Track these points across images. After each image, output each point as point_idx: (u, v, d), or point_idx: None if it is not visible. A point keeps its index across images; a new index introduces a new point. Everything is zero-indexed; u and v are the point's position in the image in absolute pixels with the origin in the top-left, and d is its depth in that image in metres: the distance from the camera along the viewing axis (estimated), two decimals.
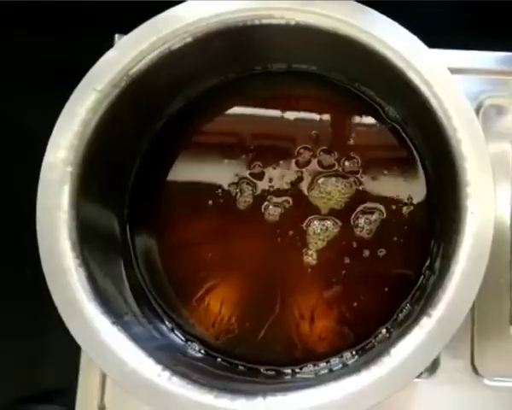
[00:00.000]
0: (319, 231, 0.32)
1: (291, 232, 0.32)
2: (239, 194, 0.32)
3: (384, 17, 0.28)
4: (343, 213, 0.32)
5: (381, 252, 0.32)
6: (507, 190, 0.35)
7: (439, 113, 0.27)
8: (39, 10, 0.42)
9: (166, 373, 0.26)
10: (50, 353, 0.39)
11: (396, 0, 0.38)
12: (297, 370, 0.31)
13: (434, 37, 0.30)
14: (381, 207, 0.32)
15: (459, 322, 0.25)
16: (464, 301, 0.25)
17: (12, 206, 0.39)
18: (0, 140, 0.41)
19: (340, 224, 0.32)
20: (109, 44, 0.36)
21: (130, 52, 0.28)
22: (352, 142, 0.33)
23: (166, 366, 0.26)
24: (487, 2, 0.40)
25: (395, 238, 0.32)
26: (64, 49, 0.42)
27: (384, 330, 0.31)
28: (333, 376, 0.27)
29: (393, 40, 0.28)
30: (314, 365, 0.31)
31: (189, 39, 0.28)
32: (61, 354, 0.36)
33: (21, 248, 0.34)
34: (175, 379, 0.26)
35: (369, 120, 0.33)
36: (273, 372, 0.31)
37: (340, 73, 0.32)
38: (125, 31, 0.34)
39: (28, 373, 0.39)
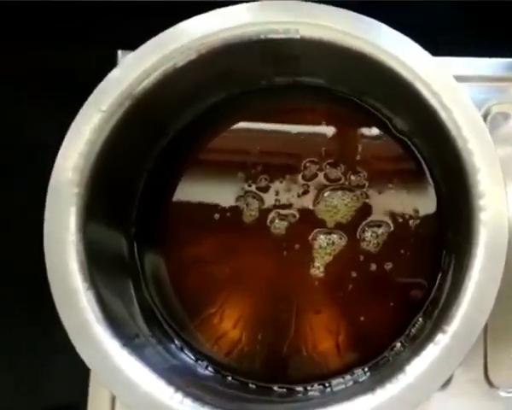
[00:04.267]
0: (325, 245, 0.32)
1: (297, 246, 0.32)
2: (245, 208, 0.32)
3: (390, 29, 0.28)
4: (349, 227, 0.32)
5: (389, 265, 0.31)
6: None
7: (449, 124, 0.27)
8: (39, 23, 0.42)
9: (179, 395, 0.26)
10: (59, 369, 0.38)
11: (397, 4, 0.38)
12: (308, 387, 0.31)
13: (436, 43, 0.30)
14: (389, 221, 0.32)
15: (475, 337, 0.25)
16: (479, 316, 0.25)
17: (16, 224, 0.39)
18: (3, 158, 0.40)
19: (346, 237, 0.32)
20: (112, 59, 0.37)
21: (134, 70, 0.28)
22: (358, 155, 0.32)
23: (178, 387, 0.26)
24: (490, 7, 0.40)
25: (404, 251, 0.31)
26: (67, 64, 0.42)
27: (397, 346, 0.30)
28: (346, 394, 0.27)
29: (400, 51, 0.27)
30: (325, 382, 0.31)
31: (194, 56, 0.28)
32: (70, 371, 0.36)
33: (27, 267, 0.33)
34: (187, 401, 0.25)
35: (377, 132, 0.33)
36: (284, 390, 0.31)
37: (346, 86, 0.32)
38: (129, 45, 0.34)
39: (35, 391, 0.39)
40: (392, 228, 0.32)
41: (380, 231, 0.32)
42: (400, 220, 0.32)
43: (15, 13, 0.41)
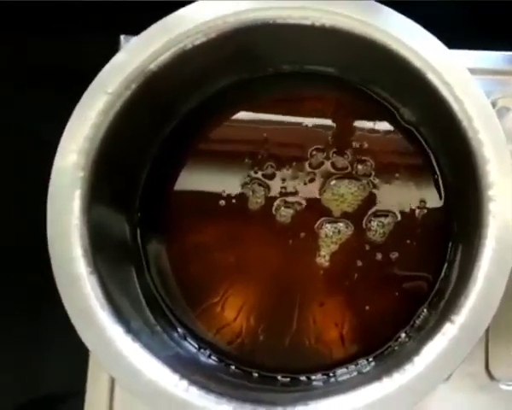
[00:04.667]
0: (331, 233, 0.31)
1: (303, 234, 0.31)
2: (251, 195, 0.32)
3: (402, 16, 0.27)
4: (356, 216, 0.32)
5: (395, 255, 0.31)
6: None
7: (460, 115, 0.26)
8: (39, 13, 0.41)
9: (184, 383, 0.25)
10: (56, 357, 0.38)
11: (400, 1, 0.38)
12: (312, 377, 0.30)
13: (441, 37, 0.30)
14: (395, 211, 0.32)
15: (483, 328, 0.25)
16: (488, 307, 0.25)
17: (19, 212, 0.39)
18: (7, 146, 0.40)
19: (352, 227, 0.31)
20: (114, 46, 0.36)
21: (141, 53, 0.27)
22: (365, 144, 0.32)
23: (183, 375, 0.25)
24: (493, 2, 0.40)
25: (410, 242, 0.31)
26: (67, 52, 0.41)
27: (402, 336, 0.30)
28: (351, 384, 0.26)
29: (412, 40, 0.27)
30: (329, 372, 0.30)
31: (203, 39, 0.28)
32: (68, 358, 0.36)
33: (28, 254, 0.33)
34: (193, 389, 0.25)
35: (384, 121, 0.32)
36: (288, 379, 0.30)
37: (354, 74, 0.32)
38: (130, 32, 0.34)
39: (33, 379, 0.39)
40: (398, 218, 0.31)
41: (386, 220, 0.31)
42: (406, 210, 0.32)
43: (14, 3, 0.40)
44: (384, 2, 0.28)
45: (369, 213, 0.32)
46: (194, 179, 0.32)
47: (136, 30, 0.28)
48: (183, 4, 0.28)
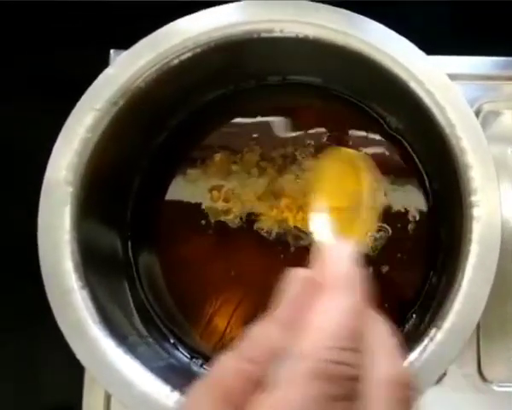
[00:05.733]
0: None
1: (293, 249, 0.32)
2: None
3: (383, 27, 0.28)
4: None
5: (385, 267, 0.31)
6: (509, 197, 0.35)
7: (442, 122, 0.27)
8: (32, 25, 0.42)
9: (175, 394, 0.25)
10: (53, 370, 0.38)
11: (390, 4, 0.38)
12: None
13: (429, 42, 0.30)
14: (382, 218, 0.32)
15: (469, 333, 0.25)
16: (473, 312, 0.25)
17: (10, 225, 0.39)
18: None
19: None
20: (104, 59, 0.36)
21: (128, 69, 0.28)
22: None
23: (175, 386, 0.26)
24: (483, 7, 0.40)
25: (398, 250, 0.31)
26: (58, 65, 0.41)
27: None
28: None
29: (394, 50, 0.28)
30: None
31: (188, 54, 0.28)
32: (65, 371, 0.36)
33: (23, 268, 0.33)
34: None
35: (371, 131, 0.33)
36: None
37: (340, 85, 0.32)
38: (121, 45, 0.34)
39: (31, 391, 0.39)
40: (385, 226, 0.32)
41: (378, 235, 0.32)
42: (394, 218, 0.32)
43: (2, 17, 0.41)
44: (372, 7, 0.29)
45: None
46: (183, 193, 0.33)
47: (126, 43, 0.29)
48: (174, 15, 0.29)
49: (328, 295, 0.18)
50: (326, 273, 0.19)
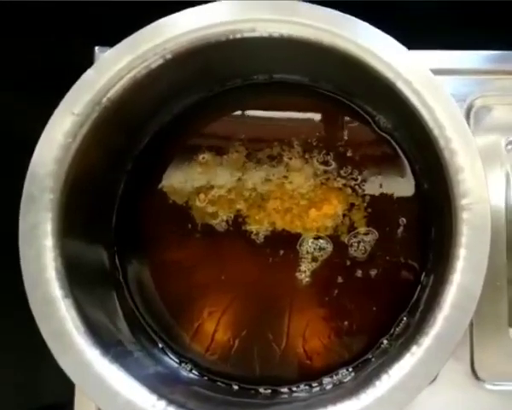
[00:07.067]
0: (312, 250, 0.31)
1: (283, 251, 0.31)
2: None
3: (369, 26, 0.27)
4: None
5: (374, 271, 0.31)
6: (501, 193, 0.34)
7: (431, 123, 0.26)
8: (21, 20, 0.41)
9: (162, 403, 0.25)
10: (49, 368, 0.38)
11: (379, 1, 0.37)
12: (294, 388, 0.30)
13: (419, 37, 0.30)
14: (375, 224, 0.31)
15: (458, 338, 0.25)
16: (462, 317, 0.25)
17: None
18: None
19: (333, 243, 0.31)
20: (90, 56, 0.36)
21: (107, 72, 0.27)
22: (341, 152, 0.32)
23: (161, 395, 0.26)
24: (471, 1, 0.39)
25: (389, 252, 0.31)
26: (45, 57, 0.41)
27: (382, 346, 0.30)
28: (332, 396, 0.26)
29: (378, 49, 0.27)
30: (310, 383, 0.30)
31: (169, 56, 0.27)
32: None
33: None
34: (170, 409, 0.25)
35: (360, 130, 0.32)
36: (269, 391, 0.30)
37: (328, 83, 0.31)
38: (107, 41, 0.33)
39: (26, 389, 0.39)
40: (375, 228, 0.31)
41: (367, 238, 0.31)
42: (382, 220, 0.31)
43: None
44: (361, 5, 0.28)
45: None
46: (169, 194, 0.32)
47: (112, 40, 0.28)
48: (163, 11, 0.28)
49: None
50: None
